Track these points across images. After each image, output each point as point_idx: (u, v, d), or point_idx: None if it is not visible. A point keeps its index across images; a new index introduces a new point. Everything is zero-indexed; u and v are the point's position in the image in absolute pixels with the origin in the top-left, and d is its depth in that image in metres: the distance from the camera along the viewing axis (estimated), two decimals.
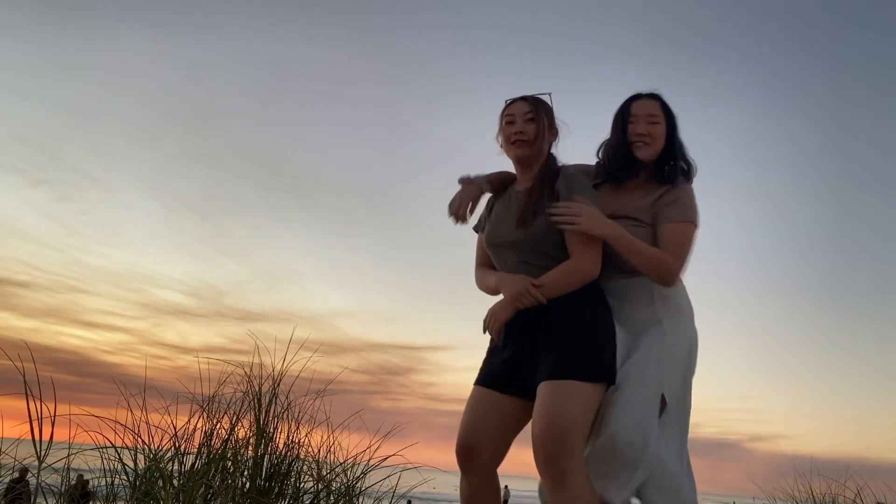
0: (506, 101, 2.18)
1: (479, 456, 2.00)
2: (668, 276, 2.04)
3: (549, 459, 1.80)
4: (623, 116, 2.19)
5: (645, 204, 2.12)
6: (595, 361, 1.92)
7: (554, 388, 1.86)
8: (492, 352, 2.11)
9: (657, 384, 1.99)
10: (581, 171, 2.15)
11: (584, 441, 1.88)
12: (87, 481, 2.49)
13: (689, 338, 2.14)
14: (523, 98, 2.14)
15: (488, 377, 2.07)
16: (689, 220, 2.08)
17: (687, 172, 2.19)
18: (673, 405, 2.03)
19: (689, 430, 2.15)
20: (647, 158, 2.14)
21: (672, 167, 2.16)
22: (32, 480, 2.21)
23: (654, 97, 2.20)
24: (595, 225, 1.97)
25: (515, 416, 2.01)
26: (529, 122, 2.08)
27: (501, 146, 2.16)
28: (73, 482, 2.42)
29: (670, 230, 2.07)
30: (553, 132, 2.14)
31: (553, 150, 2.16)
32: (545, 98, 2.16)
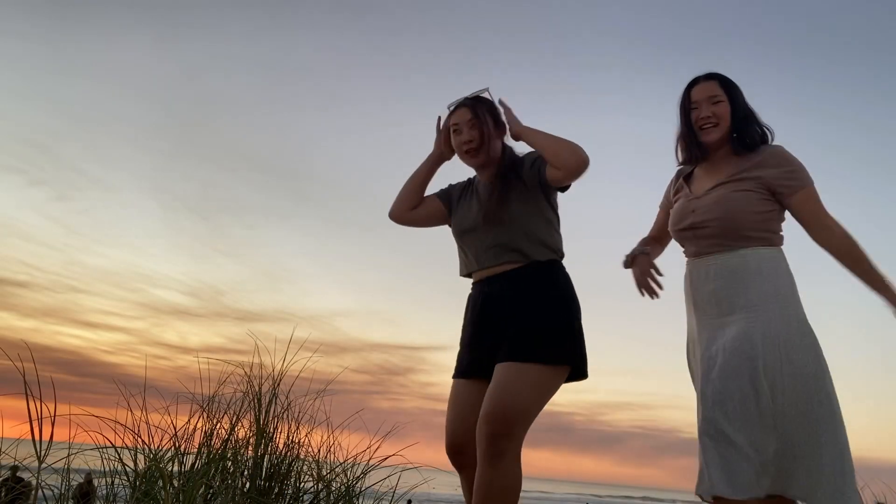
0: (448, 107, 2.20)
1: (467, 451, 2.01)
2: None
3: (491, 436, 1.83)
4: (685, 106, 2.19)
5: (740, 169, 2.11)
6: (556, 345, 1.94)
7: (511, 369, 1.90)
8: (467, 344, 2.13)
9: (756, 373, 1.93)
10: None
11: (529, 423, 1.89)
12: (91, 479, 2.49)
13: (800, 316, 2.02)
14: (463, 104, 2.16)
15: (467, 368, 2.10)
16: (807, 184, 2.06)
17: (765, 137, 2.17)
18: (789, 392, 1.92)
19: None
20: (718, 139, 2.14)
21: (742, 135, 2.13)
22: (29, 480, 2.21)
23: (712, 77, 2.18)
24: None
25: None
26: (474, 129, 2.11)
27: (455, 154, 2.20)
28: (80, 482, 2.42)
29: (806, 194, 2.05)
30: (501, 128, 2.16)
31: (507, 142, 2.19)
32: (485, 95, 2.18)
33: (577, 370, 2.01)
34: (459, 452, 2.04)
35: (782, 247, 2.13)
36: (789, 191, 2.06)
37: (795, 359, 1.95)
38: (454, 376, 2.14)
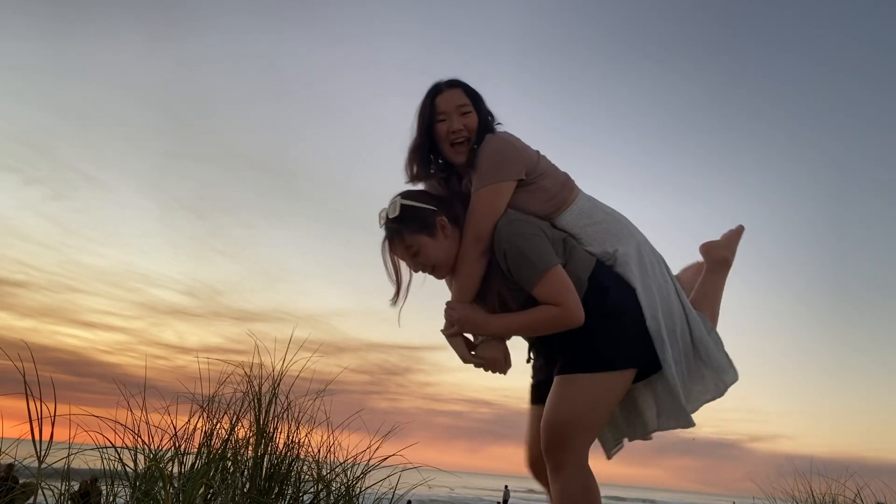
0: None
1: (539, 468, 2.09)
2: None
3: (546, 449, 1.89)
4: (429, 115, 1.98)
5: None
6: (591, 351, 1.90)
7: (557, 383, 1.93)
8: (536, 369, 2.19)
9: None
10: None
11: (587, 432, 1.86)
12: (97, 479, 2.50)
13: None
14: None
15: (534, 394, 2.18)
16: (483, 185, 1.88)
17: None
18: None
19: None
20: (467, 158, 1.96)
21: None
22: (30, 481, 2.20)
23: (457, 84, 2.00)
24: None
25: None
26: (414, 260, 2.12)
27: None
28: (81, 480, 2.41)
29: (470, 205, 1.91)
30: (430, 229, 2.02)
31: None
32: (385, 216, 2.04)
33: (644, 366, 1.93)
34: (534, 469, 2.16)
35: (571, 206, 2.02)
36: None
37: None
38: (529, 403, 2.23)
